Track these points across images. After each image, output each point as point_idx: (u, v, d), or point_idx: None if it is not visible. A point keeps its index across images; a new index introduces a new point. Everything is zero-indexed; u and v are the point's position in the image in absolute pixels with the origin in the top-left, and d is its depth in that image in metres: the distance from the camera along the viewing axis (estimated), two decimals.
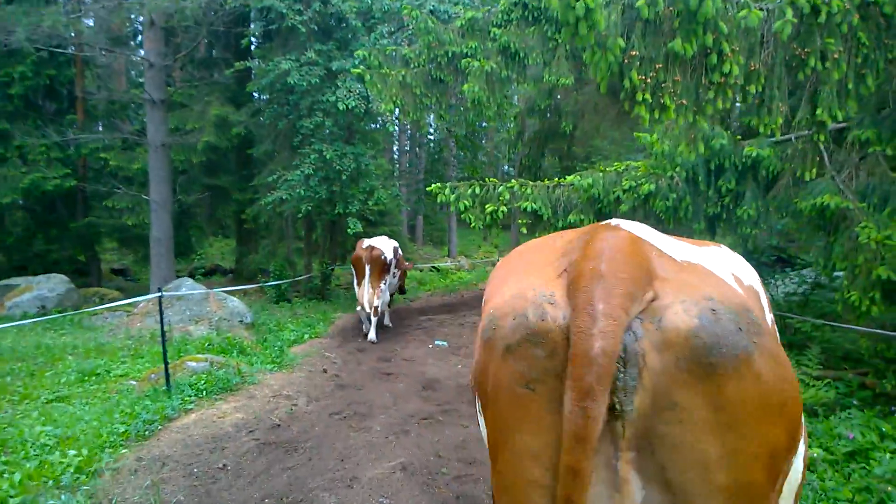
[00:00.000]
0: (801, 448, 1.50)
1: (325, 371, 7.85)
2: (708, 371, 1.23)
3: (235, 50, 17.07)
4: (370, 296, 9.20)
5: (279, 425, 5.67)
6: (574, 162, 13.79)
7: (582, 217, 7.22)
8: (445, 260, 26.12)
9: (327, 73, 12.42)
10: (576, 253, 1.42)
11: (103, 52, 16.05)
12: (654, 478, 1.27)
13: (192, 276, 16.69)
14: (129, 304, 9.79)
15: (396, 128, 17.68)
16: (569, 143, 12.89)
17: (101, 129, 17.62)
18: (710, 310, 1.27)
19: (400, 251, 10.26)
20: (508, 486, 1.41)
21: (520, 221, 7.53)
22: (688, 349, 1.24)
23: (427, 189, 8.68)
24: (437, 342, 9.82)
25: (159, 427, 5.38)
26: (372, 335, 9.49)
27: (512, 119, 12.92)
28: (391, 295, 10.41)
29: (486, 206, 7.59)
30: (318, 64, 12.24)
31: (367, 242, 9.36)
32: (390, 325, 10.96)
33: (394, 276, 9.65)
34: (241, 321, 10.66)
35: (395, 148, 32.72)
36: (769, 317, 1.56)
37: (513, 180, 7.91)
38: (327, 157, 12.20)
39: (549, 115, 12.09)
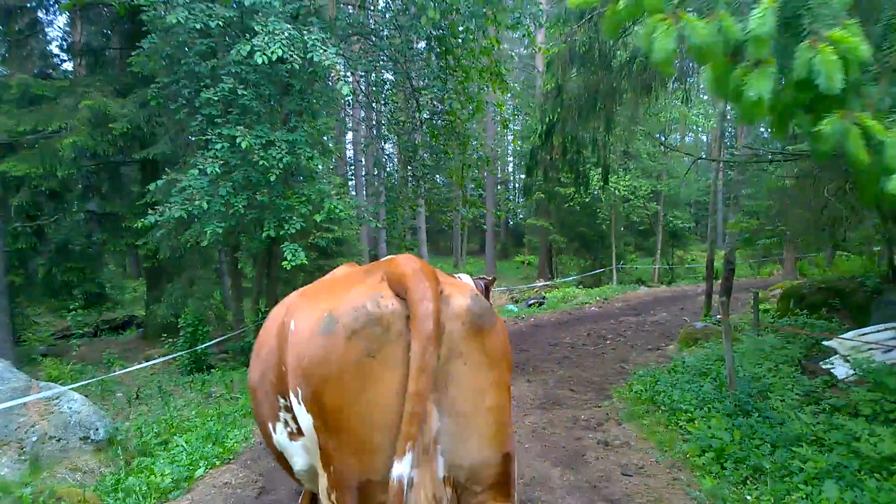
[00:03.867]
0: None
1: None
2: (479, 330, 1.96)
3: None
4: None
5: None
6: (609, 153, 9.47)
7: None
8: None
9: (239, 16, 7.83)
10: (385, 269, 2.08)
11: None
12: (446, 409, 1.90)
13: (71, 336, 11.64)
14: None
15: (350, 100, 12.73)
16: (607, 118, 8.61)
17: None
18: (475, 296, 2.03)
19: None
20: (363, 442, 1.87)
21: None
22: (467, 317, 1.95)
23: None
24: None
25: None
26: None
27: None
28: None
29: None
30: None
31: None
32: None
33: None
34: (84, 438, 5.83)
35: (348, 142, 27.18)
36: None
37: None
38: (243, 146, 7.54)
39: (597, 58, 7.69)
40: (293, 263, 7.69)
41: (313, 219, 8.06)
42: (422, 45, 10.70)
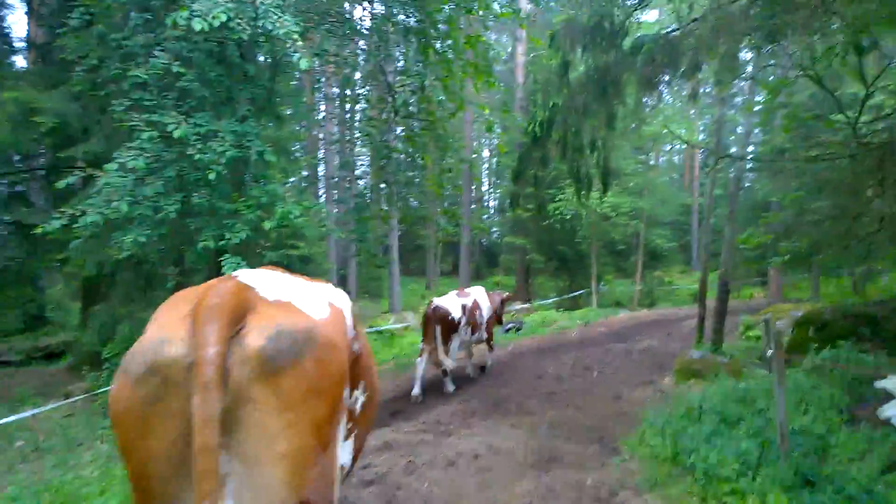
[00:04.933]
0: (343, 417, 2.19)
1: None
2: (271, 372, 1.85)
3: None
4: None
5: None
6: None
7: None
8: (388, 318, 20.05)
9: None
10: (197, 300, 1.93)
11: None
12: (234, 454, 1.80)
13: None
14: None
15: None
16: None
17: None
18: (277, 332, 1.90)
19: (477, 304, 9.94)
20: (140, 485, 1.82)
21: None
22: (257, 359, 1.84)
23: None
24: None
25: None
26: (416, 391, 8.71)
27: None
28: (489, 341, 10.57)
29: None
30: None
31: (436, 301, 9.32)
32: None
33: (469, 333, 9.60)
34: None
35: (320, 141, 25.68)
36: (350, 328, 2.36)
37: None
38: (176, 135, 6.17)
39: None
40: None
41: (264, 227, 6.66)
42: (399, 36, 9.45)
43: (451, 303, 9.34)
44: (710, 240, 12.81)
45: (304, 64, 6.16)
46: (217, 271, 8.29)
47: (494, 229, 46.08)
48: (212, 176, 6.25)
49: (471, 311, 9.59)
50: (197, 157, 6.24)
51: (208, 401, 1.69)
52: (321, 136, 20.68)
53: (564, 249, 25.04)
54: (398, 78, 9.94)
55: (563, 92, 7.19)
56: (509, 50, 31.00)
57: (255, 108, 7.84)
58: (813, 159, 6.82)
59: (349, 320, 2.38)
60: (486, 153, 47.83)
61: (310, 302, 2.14)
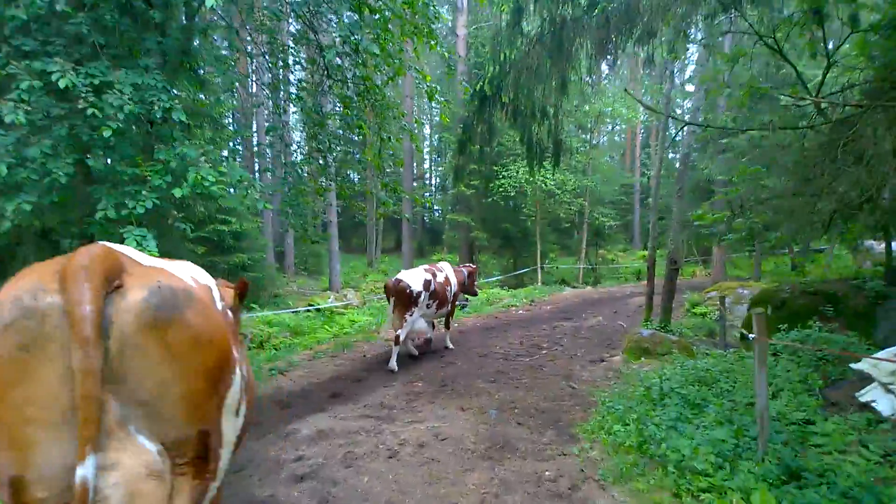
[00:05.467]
0: (238, 368, 2.26)
1: None
2: (156, 323, 1.89)
3: None
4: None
5: None
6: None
7: None
8: (327, 296, 19.18)
9: None
10: (66, 260, 1.90)
11: None
12: (129, 399, 1.85)
13: None
14: None
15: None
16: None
17: None
18: (157, 287, 1.95)
19: (448, 279, 10.04)
20: (11, 437, 1.78)
21: None
22: (142, 310, 1.88)
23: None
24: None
25: None
26: (393, 364, 8.91)
27: None
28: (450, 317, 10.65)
29: None
30: None
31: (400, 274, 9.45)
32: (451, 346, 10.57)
33: (429, 307, 9.60)
34: None
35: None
36: (219, 302, 2.33)
37: None
38: (61, 85, 5.18)
39: None
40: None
41: (174, 195, 5.74)
42: None
43: (414, 277, 9.40)
44: (658, 217, 12.54)
45: (210, 2, 5.26)
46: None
47: (437, 208, 45.52)
48: (106, 133, 5.28)
49: (440, 286, 9.68)
50: (90, 111, 5.27)
51: (88, 355, 1.73)
52: (241, 98, 19.32)
53: (509, 227, 24.67)
54: (333, 36, 9.04)
55: (517, 43, 6.50)
56: (450, 24, 30.15)
57: (168, 65, 6.87)
58: (774, 130, 6.46)
59: (216, 296, 2.39)
60: (426, 130, 47.02)
61: (179, 271, 2.19)
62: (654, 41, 7.67)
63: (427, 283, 9.40)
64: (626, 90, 10.26)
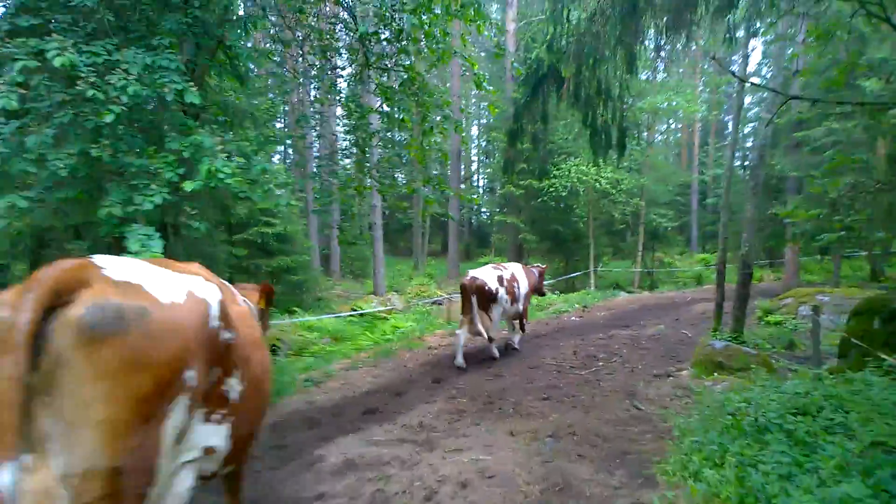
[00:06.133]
0: (183, 398, 2.12)
1: None
2: (89, 341, 1.85)
3: None
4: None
5: None
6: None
7: None
8: (371, 300, 18.54)
9: None
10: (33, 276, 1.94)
11: None
12: (55, 415, 1.82)
13: None
14: None
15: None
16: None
17: None
18: (101, 307, 1.90)
19: (515, 277, 9.93)
20: None
21: None
22: (75, 327, 1.85)
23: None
24: None
25: None
26: (459, 360, 9.00)
27: None
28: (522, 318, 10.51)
29: None
30: None
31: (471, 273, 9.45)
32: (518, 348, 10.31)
33: (509, 304, 9.63)
34: None
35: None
36: (214, 318, 2.33)
37: None
38: (57, 64, 4.57)
39: None
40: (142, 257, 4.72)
41: (181, 188, 5.08)
42: None
43: (487, 274, 9.43)
44: (729, 217, 11.34)
45: None
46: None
47: (485, 210, 44.70)
48: (108, 118, 4.66)
49: (509, 283, 9.66)
50: (90, 93, 4.65)
51: (14, 362, 1.75)
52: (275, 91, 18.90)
53: (559, 229, 23.56)
54: (373, 20, 8.34)
55: (581, 6, 5.56)
56: (499, 18, 29.36)
57: (201, 53, 6.30)
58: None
59: (214, 311, 2.34)
60: (473, 131, 46.26)
61: (163, 287, 2.14)
62: (734, 13, 6.65)
63: (500, 279, 9.44)
64: (712, 57, 9.22)
